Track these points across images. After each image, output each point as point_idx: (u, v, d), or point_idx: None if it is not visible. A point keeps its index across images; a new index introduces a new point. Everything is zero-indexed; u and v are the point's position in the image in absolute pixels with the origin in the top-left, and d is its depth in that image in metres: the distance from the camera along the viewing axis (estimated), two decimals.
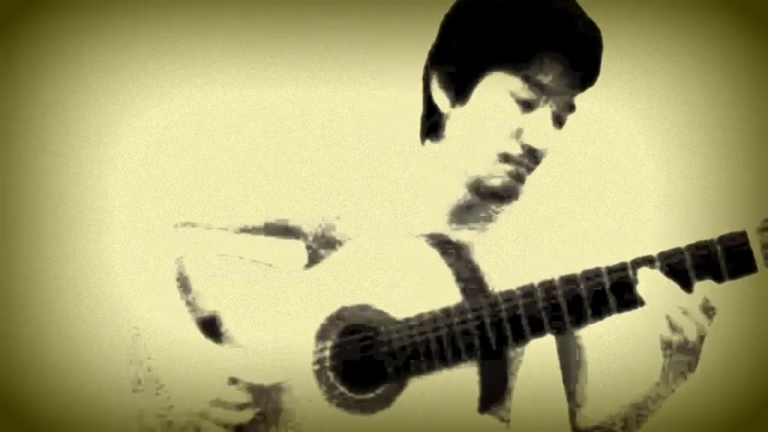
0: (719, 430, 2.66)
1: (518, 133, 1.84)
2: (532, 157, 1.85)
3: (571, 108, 1.87)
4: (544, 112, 1.84)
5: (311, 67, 2.97)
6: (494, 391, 1.79)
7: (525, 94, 1.83)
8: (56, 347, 2.59)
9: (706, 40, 2.90)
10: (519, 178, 1.86)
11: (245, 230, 1.97)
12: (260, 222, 1.97)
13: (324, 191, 1.95)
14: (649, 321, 1.72)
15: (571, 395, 1.98)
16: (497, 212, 1.95)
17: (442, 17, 1.92)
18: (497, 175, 1.86)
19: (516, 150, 1.84)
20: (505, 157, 1.84)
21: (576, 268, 1.80)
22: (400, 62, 2.90)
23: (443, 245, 1.82)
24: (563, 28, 1.82)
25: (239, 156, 2.91)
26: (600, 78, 1.89)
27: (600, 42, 1.86)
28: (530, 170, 1.87)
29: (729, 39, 2.90)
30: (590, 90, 1.89)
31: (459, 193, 1.90)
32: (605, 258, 1.86)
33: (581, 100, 1.89)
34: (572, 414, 1.98)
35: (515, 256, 1.94)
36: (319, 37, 2.97)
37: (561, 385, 2.00)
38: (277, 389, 1.84)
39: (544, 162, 1.91)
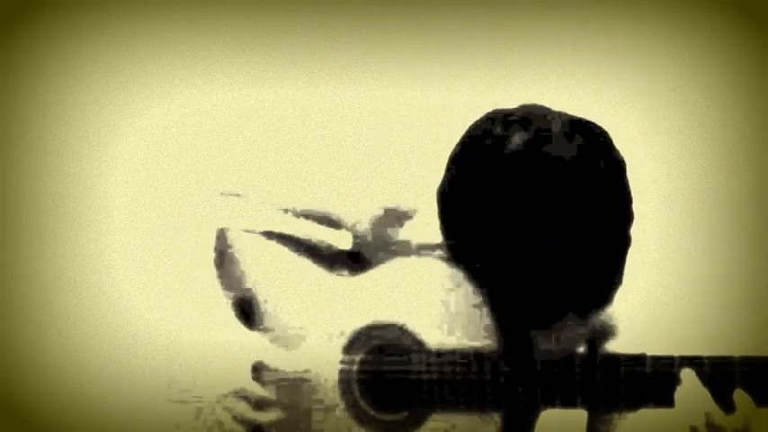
0: (719, 430, 2.65)
1: None
2: None
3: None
4: None
5: (311, 67, 2.97)
6: None
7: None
8: (56, 347, 2.59)
9: (706, 40, 2.90)
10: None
11: (289, 211, 1.93)
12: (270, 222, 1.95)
13: (324, 191, 1.95)
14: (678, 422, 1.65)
15: None
16: None
17: (441, 17, 1.91)
18: None
19: None
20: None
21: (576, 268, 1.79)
22: (400, 62, 2.90)
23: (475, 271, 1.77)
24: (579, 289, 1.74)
25: (239, 156, 2.91)
26: (600, 78, 1.88)
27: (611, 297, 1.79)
28: None
29: (729, 39, 2.90)
30: (590, 90, 1.88)
31: None
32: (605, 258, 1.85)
33: (581, 100, 1.88)
34: None
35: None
36: (319, 37, 2.97)
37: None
38: (299, 391, 1.82)
39: None
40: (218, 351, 1.86)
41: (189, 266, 1.94)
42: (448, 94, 2.20)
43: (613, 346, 1.93)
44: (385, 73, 2.94)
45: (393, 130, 2.86)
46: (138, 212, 2.00)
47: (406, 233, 1.90)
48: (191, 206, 1.99)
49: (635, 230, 1.87)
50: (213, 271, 1.91)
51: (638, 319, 1.78)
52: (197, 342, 1.87)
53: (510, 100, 1.91)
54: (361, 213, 1.93)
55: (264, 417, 1.82)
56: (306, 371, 1.81)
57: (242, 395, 1.82)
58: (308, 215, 1.93)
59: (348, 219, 1.92)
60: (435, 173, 1.95)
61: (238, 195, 1.95)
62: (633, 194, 1.77)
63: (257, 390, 1.82)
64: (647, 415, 1.75)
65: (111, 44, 2.94)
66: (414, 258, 1.80)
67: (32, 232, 2.88)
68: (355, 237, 1.92)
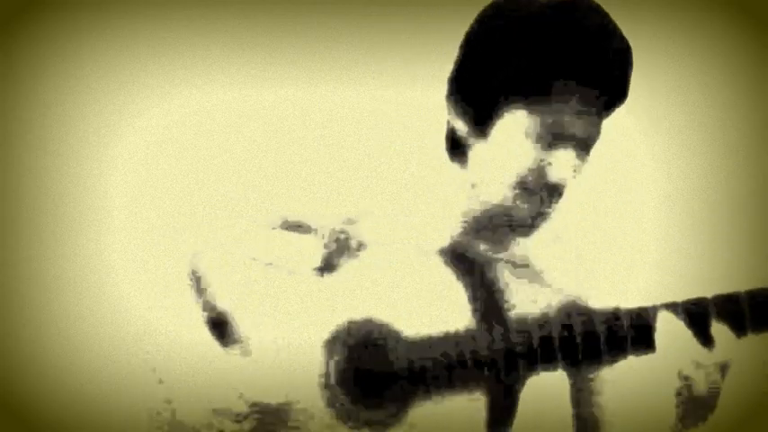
0: (719, 430, 2.66)
1: (539, 168, 1.80)
2: (551, 191, 1.81)
3: (595, 137, 1.82)
4: (566, 150, 1.79)
5: (311, 67, 2.97)
6: (501, 418, 1.77)
7: (543, 134, 1.77)
8: (56, 347, 2.59)
9: (706, 40, 2.90)
10: (538, 216, 1.83)
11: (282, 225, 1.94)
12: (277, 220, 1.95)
13: (324, 191, 1.95)
14: (665, 368, 1.69)
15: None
16: (514, 241, 1.92)
17: (441, 17, 1.91)
18: (517, 209, 1.82)
19: (537, 186, 1.80)
20: (525, 189, 1.81)
21: (576, 268, 1.80)
22: (400, 62, 2.90)
23: (459, 261, 1.79)
24: (592, 48, 1.76)
25: (239, 156, 2.91)
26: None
27: (630, 61, 1.81)
28: (549, 204, 1.83)
29: (729, 39, 2.90)
30: None
31: (474, 207, 1.88)
32: (605, 258, 1.86)
33: None
34: None
35: (514, 257, 1.94)
36: (319, 37, 2.97)
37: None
38: (283, 407, 1.82)
39: None
40: (218, 351, 1.86)
41: (189, 266, 1.94)
42: None
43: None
44: (385, 73, 2.94)
45: (393, 130, 2.86)
46: (138, 212, 2.00)
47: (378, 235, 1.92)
48: (191, 206, 1.99)
49: (635, 230, 1.87)
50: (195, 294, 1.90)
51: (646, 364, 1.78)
52: (197, 342, 1.87)
53: None
54: (360, 213, 1.94)
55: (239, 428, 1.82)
56: (287, 384, 1.82)
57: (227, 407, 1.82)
58: (284, 226, 1.94)
59: (317, 225, 1.93)
60: (435, 173, 1.95)
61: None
62: (633, 194, 1.78)
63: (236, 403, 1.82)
64: (634, 371, 1.79)
65: (111, 44, 2.94)
66: (385, 255, 1.81)
67: (32, 232, 2.88)
68: (325, 244, 1.93)
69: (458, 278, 1.76)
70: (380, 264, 1.80)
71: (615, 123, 2.92)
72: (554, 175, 1.79)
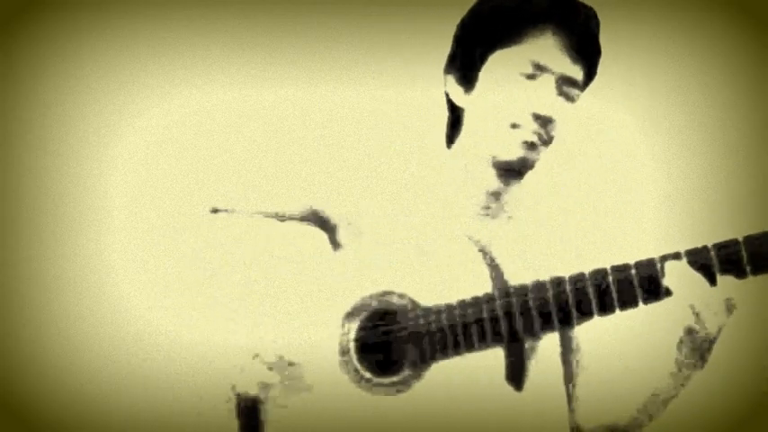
0: (719, 430, 2.66)
1: (526, 105, 1.90)
2: (542, 124, 1.90)
3: (573, 83, 1.92)
4: (547, 82, 1.89)
5: (311, 67, 2.97)
6: (516, 372, 1.82)
7: (525, 68, 1.90)
8: (56, 347, 2.59)
9: (706, 40, 2.90)
10: (532, 147, 1.91)
11: (279, 217, 1.98)
12: (297, 208, 2.00)
13: (324, 191, 1.95)
14: (669, 314, 1.75)
15: (572, 395, 1.98)
16: (508, 187, 1.96)
17: (441, 17, 1.93)
18: (512, 146, 1.91)
19: (527, 119, 1.90)
20: (515, 126, 1.90)
21: (576, 268, 1.80)
22: (400, 62, 2.90)
23: (472, 240, 1.85)
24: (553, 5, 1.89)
25: (239, 156, 2.91)
26: (600, 78, 1.89)
27: (594, 16, 1.93)
28: (542, 140, 1.92)
29: (729, 39, 2.90)
30: (590, 90, 1.89)
31: (474, 193, 1.92)
32: (605, 258, 1.86)
33: (581, 99, 1.89)
34: (573, 414, 1.98)
35: (515, 256, 1.95)
36: (319, 37, 2.97)
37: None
38: (299, 367, 1.86)
39: (544, 162, 1.91)
40: (218, 351, 1.86)
41: (189, 267, 1.94)
42: None
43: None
44: (385, 73, 2.94)
45: (393, 130, 2.86)
46: (138, 212, 2.00)
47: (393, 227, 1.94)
48: (191, 206, 1.99)
49: (635, 230, 1.88)
50: (211, 270, 1.93)
51: (638, 319, 1.79)
52: (197, 342, 1.87)
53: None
54: (360, 213, 1.94)
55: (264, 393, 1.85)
56: (306, 351, 1.85)
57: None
58: (292, 218, 1.97)
59: (335, 215, 1.97)
60: (435, 173, 1.95)
61: (226, 211, 1.99)
62: (633, 194, 1.83)
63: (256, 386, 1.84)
64: (643, 325, 1.84)
65: (111, 44, 2.94)
66: (399, 232, 1.89)
67: (32, 232, 2.88)
68: (334, 233, 1.97)
69: (476, 249, 1.83)
70: (398, 239, 1.85)
71: (615, 123, 2.92)
72: (541, 108, 1.89)
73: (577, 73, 1.92)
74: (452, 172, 1.94)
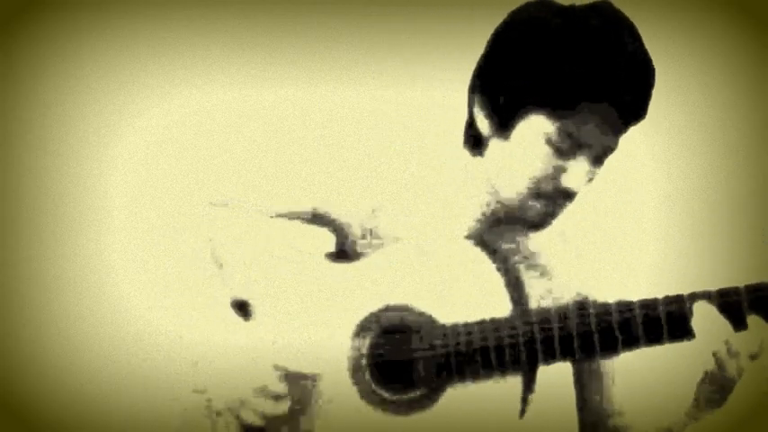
0: (719, 430, 2.65)
1: (554, 174, 1.80)
2: (564, 196, 1.83)
3: (611, 150, 1.83)
4: (581, 159, 1.80)
5: (311, 67, 2.97)
6: (528, 397, 1.79)
7: (560, 143, 1.78)
8: (56, 347, 2.59)
9: (706, 40, 2.90)
10: (550, 215, 1.84)
11: (280, 215, 1.95)
12: (298, 209, 1.96)
13: (324, 191, 1.95)
14: (691, 354, 1.72)
15: (587, 414, 1.97)
16: (525, 236, 1.93)
17: (441, 17, 1.91)
18: (529, 208, 1.84)
19: (549, 189, 1.81)
20: (538, 194, 1.82)
21: (576, 268, 1.80)
22: (400, 62, 2.90)
23: (488, 248, 1.81)
24: (617, 69, 1.75)
25: (239, 156, 2.91)
26: None
27: (652, 83, 1.80)
28: (562, 207, 1.84)
29: (729, 39, 2.90)
30: None
31: (484, 206, 1.89)
32: (605, 258, 1.85)
33: None
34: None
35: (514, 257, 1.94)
36: (319, 37, 2.97)
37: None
38: (312, 380, 1.83)
39: None
40: (217, 351, 1.86)
41: (189, 266, 1.94)
42: (448, 94, 2.20)
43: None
44: (385, 73, 2.94)
45: (393, 130, 2.86)
46: (138, 212, 2.00)
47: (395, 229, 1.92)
48: (191, 206, 1.99)
49: (635, 230, 1.88)
50: (212, 270, 1.92)
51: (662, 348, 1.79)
52: (197, 342, 1.87)
53: None
54: (360, 213, 1.93)
55: (274, 410, 1.81)
56: (314, 364, 1.83)
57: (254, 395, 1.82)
58: (296, 217, 1.95)
59: (338, 217, 1.94)
60: (435, 173, 1.94)
61: (226, 205, 1.96)
62: (633, 194, 1.80)
63: (264, 389, 1.82)
64: (669, 353, 1.82)
65: (111, 44, 2.94)
66: (406, 246, 1.83)
67: (32, 232, 2.88)
68: (341, 236, 1.93)
69: (492, 260, 1.79)
70: (415, 252, 1.82)
71: None
72: (568, 181, 1.80)
73: (617, 141, 1.82)
74: (453, 172, 1.92)
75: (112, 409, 1.92)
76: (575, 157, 1.79)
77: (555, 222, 1.88)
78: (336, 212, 1.94)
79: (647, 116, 1.83)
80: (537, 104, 1.77)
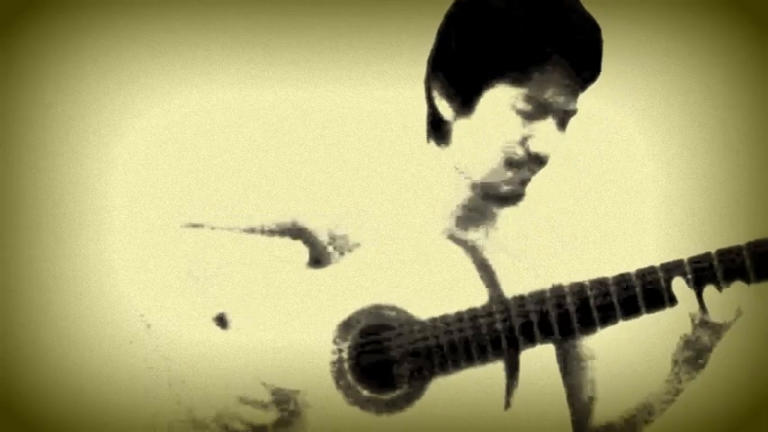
0: (719, 430, 2.66)
1: (523, 141, 1.83)
2: (537, 161, 1.85)
3: (574, 112, 1.86)
4: (547, 122, 1.83)
5: (311, 67, 2.97)
6: (514, 383, 1.80)
7: (527, 108, 1.81)
8: (56, 347, 2.59)
9: (706, 40, 2.90)
10: (524, 183, 1.86)
11: (252, 231, 1.97)
12: (268, 223, 1.96)
13: (324, 191, 1.95)
14: (667, 321, 1.74)
15: (576, 400, 1.98)
16: (497, 214, 1.95)
17: (441, 18, 1.92)
18: (504, 181, 1.85)
19: (521, 156, 1.83)
20: (511, 163, 1.84)
21: (576, 268, 1.80)
22: (400, 62, 2.90)
23: (463, 243, 1.83)
24: (564, 29, 1.80)
25: (239, 156, 2.91)
26: (600, 78, 1.88)
27: (600, 39, 1.85)
28: (534, 173, 1.87)
29: (729, 39, 2.90)
30: (590, 90, 1.89)
31: (463, 195, 1.90)
32: (605, 258, 1.86)
33: (581, 99, 1.88)
34: (582, 417, 1.98)
35: (514, 257, 1.94)
36: (319, 37, 2.97)
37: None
38: (296, 392, 1.84)
39: None
40: (218, 351, 1.86)
41: (188, 266, 1.94)
42: None
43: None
44: (385, 73, 2.94)
45: (393, 130, 2.86)
46: (138, 212, 2.00)
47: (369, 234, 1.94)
48: (190, 206, 1.99)
49: (635, 230, 1.88)
50: (212, 271, 1.92)
51: (638, 320, 1.79)
52: (197, 342, 1.87)
53: None
54: (360, 213, 1.94)
55: (264, 418, 1.82)
56: (297, 372, 1.83)
57: (243, 400, 1.82)
58: (271, 231, 1.96)
59: (311, 224, 1.95)
60: (435, 173, 1.95)
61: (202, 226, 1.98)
62: (633, 194, 1.81)
63: (257, 392, 1.83)
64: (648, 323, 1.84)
65: (111, 44, 2.94)
66: (380, 247, 1.85)
67: (32, 232, 2.88)
68: (315, 242, 1.94)
69: (467, 254, 1.80)
70: (388, 251, 1.83)
71: (615, 123, 2.92)
72: (538, 146, 1.82)
73: (576, 102, 1.85)
74: (448, 174, 1.92)
75: (112, 409, 1.92)
76: (542, 119, 1.82)
77: (546, 225, 1.90)
78: (311, 218, 1.94)
79: (647, 116, 1.84)
80: (498, 74, 1.81)
